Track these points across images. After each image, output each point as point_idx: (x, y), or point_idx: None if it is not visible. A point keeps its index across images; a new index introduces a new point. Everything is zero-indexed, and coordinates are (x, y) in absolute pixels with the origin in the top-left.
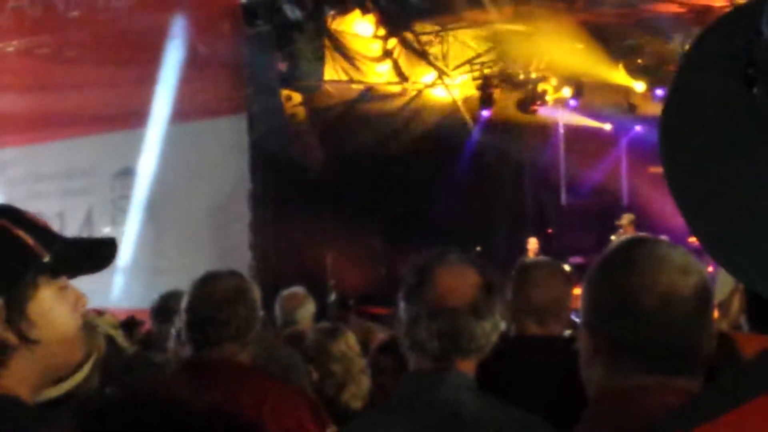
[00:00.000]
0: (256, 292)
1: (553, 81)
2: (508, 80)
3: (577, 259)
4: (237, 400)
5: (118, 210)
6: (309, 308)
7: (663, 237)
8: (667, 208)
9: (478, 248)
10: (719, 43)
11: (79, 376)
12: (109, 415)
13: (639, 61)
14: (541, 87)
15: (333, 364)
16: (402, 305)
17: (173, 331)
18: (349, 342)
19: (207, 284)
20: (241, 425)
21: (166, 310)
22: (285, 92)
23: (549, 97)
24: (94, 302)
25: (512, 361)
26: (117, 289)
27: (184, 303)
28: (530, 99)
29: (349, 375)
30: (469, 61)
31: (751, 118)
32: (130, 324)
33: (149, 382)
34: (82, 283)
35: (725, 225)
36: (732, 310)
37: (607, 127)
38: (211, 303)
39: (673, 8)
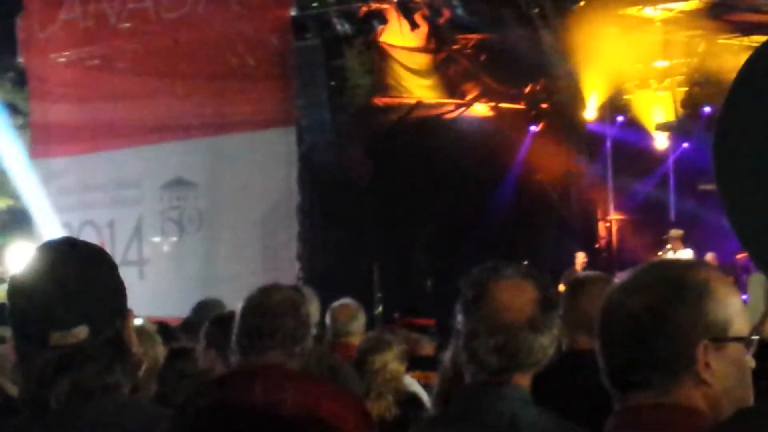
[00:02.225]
0: (312, 307)
1: (601, 97)
2: (556, 95)
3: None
4: (284, 405)
5: (167, 220)
6: (361, 320)
7: (710, 254)
8: (713, 225)
9: (525, 262)
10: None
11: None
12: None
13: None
14: (588, 102)
15: (368, 373)
16: (459, 319)
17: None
18: (387, 357)
19: (261, 294)
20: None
21: (196, 322)
22: (333, 105)
23: (598, 112)
24: (140, 312)
25: (566, 375)
26: (165, 299)
27: (238, 310)
28: (578, 114)
29: (373, 388)
30: (517, 76)
31: None
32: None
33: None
34: (135, 293)
35: None
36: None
37: (655, 142)
38: (260, 313)
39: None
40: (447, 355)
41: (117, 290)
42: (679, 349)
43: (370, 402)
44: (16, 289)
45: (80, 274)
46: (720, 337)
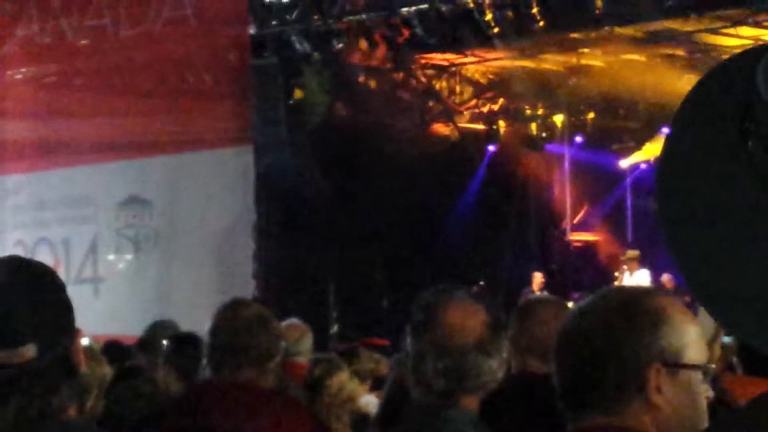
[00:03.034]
0: (278, 322)
1: (560, 117)
2: (514, 116)
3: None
4: (256, 423)
5: (123, 238)
6: (308, 340)
7: (666, 275)
8: None
9: (482, 282)
10: (715, 95)
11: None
12: None
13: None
14: (547, 123)
15: (326, 397)
16: (409, 341)
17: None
18: (342, 379)
19: (231, 310)
20: None
21: (153, 341)
22: (291, 123)
23: (555, 133)
24: (94, 330)
25: (515, 397)
26: (120, 317)
27: (207, 328)
28: (537, 134)
29: (332, 411)
30: (476, 96)
31: (748, 171)
32: (117, 350)
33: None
34: (90, 311)
35: (723, 282)
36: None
37: (613, 163)
38: (233, 329)
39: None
40: (390, 377)
41: (65, 309)
42: (631, 372)
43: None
44: None
45: (27, 292)
46: (673, 362)
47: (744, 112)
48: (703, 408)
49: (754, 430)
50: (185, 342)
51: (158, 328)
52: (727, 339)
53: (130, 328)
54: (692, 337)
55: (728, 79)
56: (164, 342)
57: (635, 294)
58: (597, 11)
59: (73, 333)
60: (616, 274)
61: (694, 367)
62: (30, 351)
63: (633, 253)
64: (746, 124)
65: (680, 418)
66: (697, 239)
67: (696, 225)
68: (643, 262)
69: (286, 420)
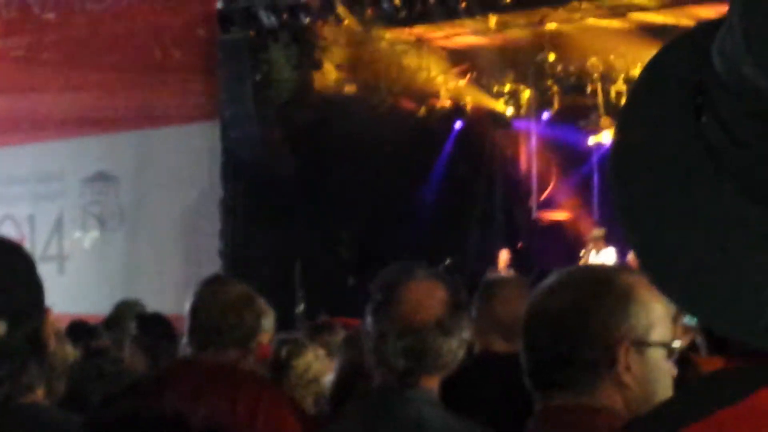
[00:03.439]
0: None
1: (527, 93)
2: (483, 91)
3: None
4: (233, 405)
5: (89, 215)
6: (271, 318)
7: (632, 253)
8: None
9: (449, 260)
10: (670, 68)
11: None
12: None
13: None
14: (514, 99)
15: (292, 378)
16: (369, 321)
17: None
18: (308, 359)
19: (214, 289)
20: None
21: (118, 319)
22: (258, 99)
23: (522, 110)
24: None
25: (478, 377)
26: (86, 295)
27: (188, 306)
28: (504, 110)
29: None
30: (444, 72)
31: (700, 148)
32: (77, 330)
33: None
34: (55, 289)
35: (678, 262)
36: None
37: (581, 140)
38: (218, 308)
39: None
40: (340, 357)
41: (35, 287)
42: (601, 350)
43: None
44: None
45: None
46: (641, 340)
47: (697, 88)
48: (669, 386)
49: (706, 405)
50: (151, 322)
51: (124, 307)
52: (690, 319)
53: (95, 306)
54: (659, 315)
55: (681, 54)
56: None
57: (604, 272)
58: None
59: (42, 311)
60: (582, 252)
61: (662, 345)
62: (1, 327)
63: (599, 231)
64: (698, 99)
65: (647, 396)
66: (650, 219)
67: (649, 205)
68: (609, 240)
69: (265, 402)
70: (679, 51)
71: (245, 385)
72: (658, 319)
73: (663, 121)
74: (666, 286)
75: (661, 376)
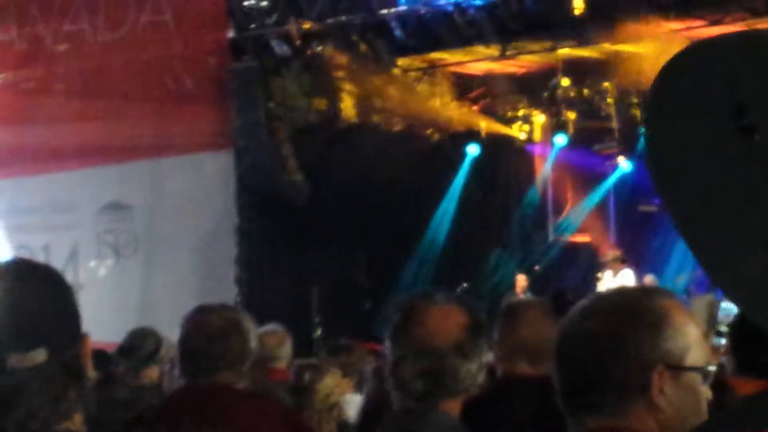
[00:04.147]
0: (249, 324)
1: (540, 118)
2: (497, 117)
3: None
4: (235, 423)
5: (103, 244)
6: (288, 346)
7: (650, 276)
8: (653, 246)
9: (465, 285)
10: (696, 86)
11: None
12: None
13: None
14: (528, 124)
15: (316, 402)
16: (387, 344)
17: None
18: (329, 383)
19: (199, 317)
20: None
21: (131, 348)
22: (271, 127)
23: (536, 134)
24: None
25: (502, 401)
26: (101, 324)
27: (178, 336)
28: (518, 135)
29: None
30: (459, 97)
31: (752, 163)
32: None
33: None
34: None
35: (736, 263)
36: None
37: (595, 164)
38: (204, 336)
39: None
40: (368, 387)
41: (74, 313)
42: (636, 373)
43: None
44: None
45: (38, 295)
46: (676, 364)
47: (740, 107)
48: (704, 410)
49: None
50: None
51: (139, 335)
52: (717, 340)
53: (111, 334)
54: (694, 338)
55: (708, 70)
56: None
57: (638, 295)
58: (575, 11)
59: (80, 337)
60: (599, 275)
61: (696, 369)
62: (41, 355)
63: (614, 253)
64: (744, 120)
65: (682, 419)
66: (707, 229)
67: (704, 216)
68: (625, 262)
69: (267, 418)
70: (703, 66)
71: (244, 403)
72: (694, 343)
73: (703, 139)
74: (725, 285)
75: (695, 399)
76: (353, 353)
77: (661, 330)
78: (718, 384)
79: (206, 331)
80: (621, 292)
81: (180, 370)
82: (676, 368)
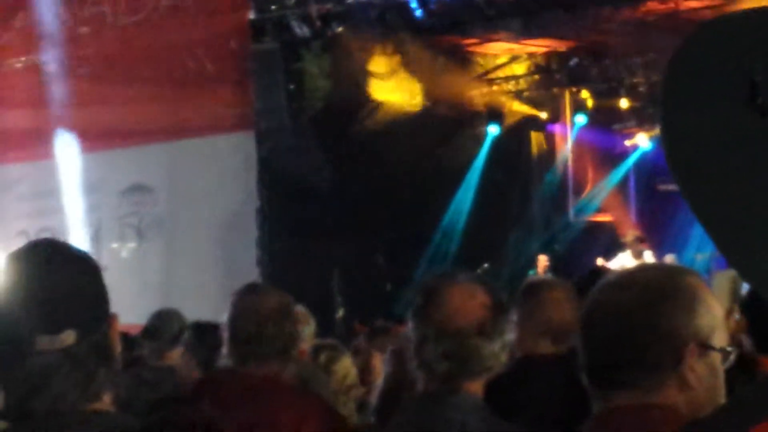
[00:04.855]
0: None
1: (561, 97)
2: (517, 97)
3: None
4: (276, 418)
5: (126, 226)
6: (310, 327)
7: (670, 255)
8: (673, 225)
9: (486, 265)
10: (712, 65)
11: None
12: None
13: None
14: (549, 103)
15: (333, 383)
16: (410, 325)
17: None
18: (346, 364)
19: (251, 299)
20: None
21: (155, 329)
22: (292, 108)
23: (557, 114)
24: None
25: (524, 380)
26: (124, 306)
27: (226, 316)
28: (538, 115)
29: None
30: (479, 78)
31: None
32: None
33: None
34: None
35: (752, 242)
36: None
37: (616, 143)
38: (257, 319)
39: None
40: (387, 369)
41: (103, 293)
42: (669, 349)
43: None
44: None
45: (67, 276)
46: (706, 343)
47: (756, 88)
48: (723, 391)
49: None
50: (206, 330)
51: (163, 317)
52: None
53: (134, 316)
54: (720, 319)
55: (723, 48)
56: (176, 329)
57: (669, 272)
58: None
59: (109, 318)
60: (619, 254)
61: (722, 350)
62: (70, 337)
63: (634, 233)
64: (759, 99)
65: (709, 397)
66: (722, 208)
67: (719, 194)
68: (645, 242)
69: (308, 422)
70: (719, 44)
71: (288, 398)
72: (720, 324)
73: (719, 119)
74: (740, 266)
75: (718, 379)
76: (390, 335)
77: (693, 307)
78: (746, 361)
79: (258, 314)
80: (651, 268)
81: (228, 351)
82: (706, 346)
